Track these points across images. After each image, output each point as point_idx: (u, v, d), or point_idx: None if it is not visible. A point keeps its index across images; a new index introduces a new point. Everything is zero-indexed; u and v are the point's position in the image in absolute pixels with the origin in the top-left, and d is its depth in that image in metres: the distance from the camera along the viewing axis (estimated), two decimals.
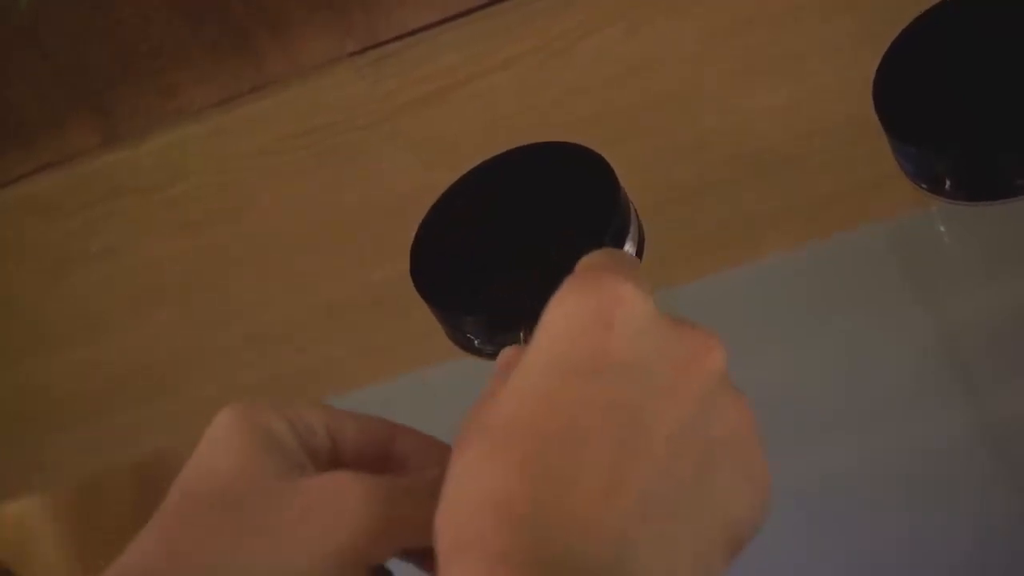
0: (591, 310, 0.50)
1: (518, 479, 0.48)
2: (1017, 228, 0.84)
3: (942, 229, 0.85)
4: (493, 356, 0.76)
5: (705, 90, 0.99)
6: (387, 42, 1.05)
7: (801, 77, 0.96)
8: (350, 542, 0.55)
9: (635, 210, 0.78)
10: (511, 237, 0.77)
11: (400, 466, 0.60)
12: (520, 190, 0.80)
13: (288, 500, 0.56)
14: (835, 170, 0.92)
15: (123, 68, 1.11)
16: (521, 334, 0.74)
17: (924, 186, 0.76)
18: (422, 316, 0.83)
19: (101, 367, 1.10)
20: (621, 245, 0.75)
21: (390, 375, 1.03)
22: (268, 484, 0.57)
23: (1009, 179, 0.73)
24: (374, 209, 1.05)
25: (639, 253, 0.76)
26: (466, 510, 0.48)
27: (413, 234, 0.81)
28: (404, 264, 0.81)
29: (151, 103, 1.12)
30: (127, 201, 1.11)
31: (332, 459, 0.60)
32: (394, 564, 0.57)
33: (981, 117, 0.73)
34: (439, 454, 0.60)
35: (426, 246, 0.80)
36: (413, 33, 1.04)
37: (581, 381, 0.49)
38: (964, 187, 0.74)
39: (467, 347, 0.79)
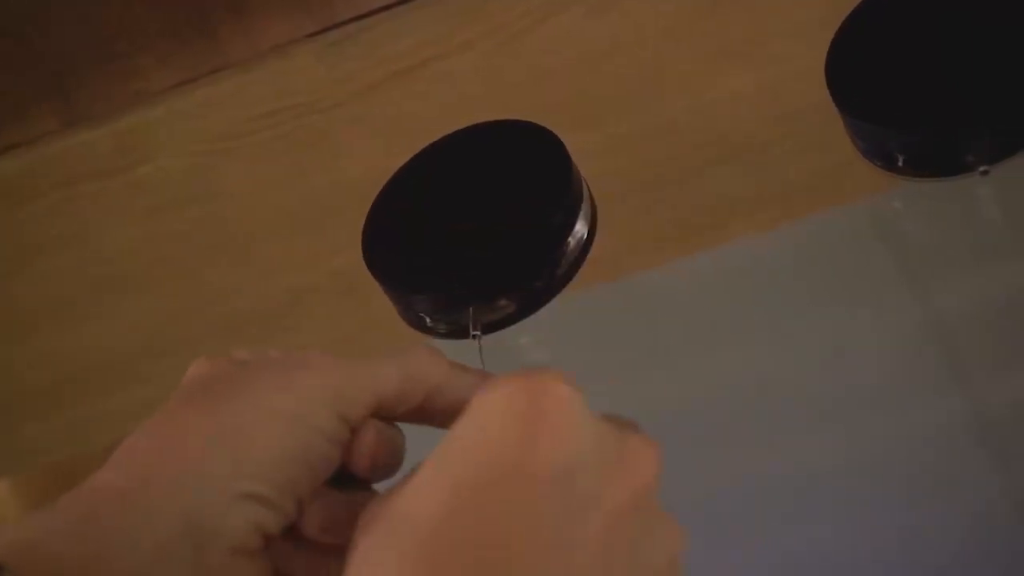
0: (519, 406, 0.48)
1: None
2: (1000, 212, 0.83)
3: (897, 206, 0.85)
4: (445, 335, 0.77)
5: (672, 74, 0.98)
6: (346, 22, 1.03)
7: (769, 61, 0.95)
8: (321, 388, 0.55)
9: (588, 187, 0.77)
10: (462, 215, 0.77)
11: None
12: (472, 169, 0.79)
13: (256, 367, 0.56)
14: (805, 154, 0.91)
15: (84, 51, 1.09)
16: (471, 312, 0.73)
17: (878, 163, 0.76)
18: (387, 301, 0.82)
19: (69, 354, 1.10)
20: (573, 223, 0.74)
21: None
22: (237, 367, 0.56)
23: (960, 156, 0.73)
24: (337, 192, 1.04)
25: (591, 231, 0.76)
26: None
27: None
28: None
29: (112, 86, 1.11)
30: (89, 185, 1.10)
31: None
32: None
33: (932, 94, 0.73)
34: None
35: (378, 225, 0.80)
36: (373, 14, 1.03)
37: (505, 484, 0.47)
38: (916, 164, 0.75)
39: (419, 326, 0.79)
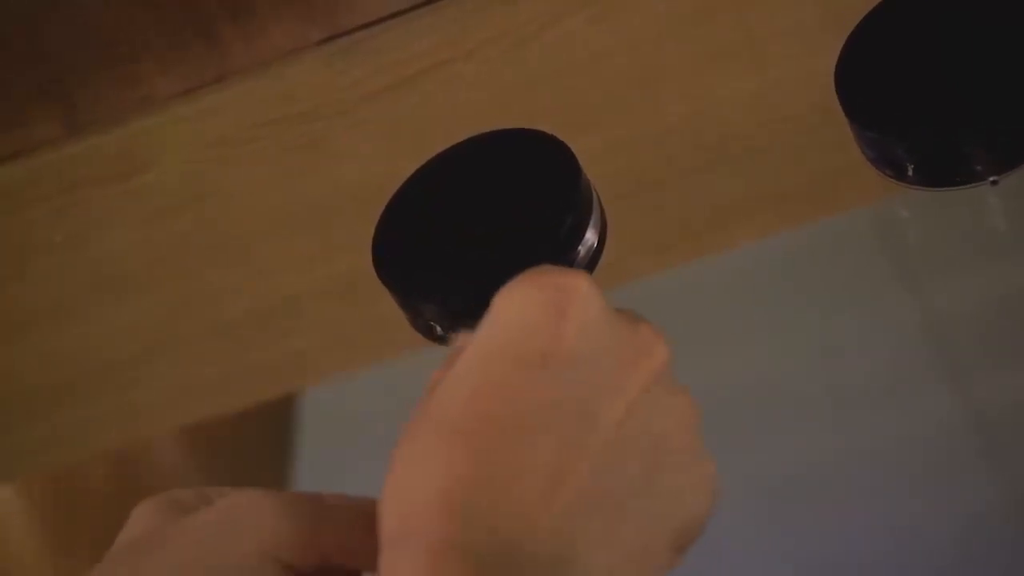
0: (544, 300, 0.51)
1: (463, 469, 0.48)
2: (1001, 217, 0.84)
3: (905, 215, 0.85)
4: None
5: (669, 79, 0.98)
6: (351, 31, 1.04)
7: (768, 64, 0.96)
8: (261, 549, 0.55)
9: (598, 196, 0.78)
10: (473, 224, 0.77)
11: None
12: (482, 177, 0.80)
13: (197, 519, 0.56)
14: (804, 158, 0.92)
15: (85, 57, 1.10)
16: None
17: (887, 172, 0.76)
18: (389, 306, 0.83)
19: (70, 357, 1.10)
20: (583, 231, 0.75)
21: (357, 365, 1.03)
22: (178, 520, 0.57)
23: (970, 165, 0.74)
24: (341, 198, 1.04)
25: (601, 240, 0.77)
26: (410, 497, 0.49)
27: None
28: (370, 253, 0.80)
29: (114, 92, 1.11)
30: (90, 191, 1.10)
31: None
32: None
33: (943, 103, 0.74)
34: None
35: (388, 234, 0.80)
36: (378, 22, 1.03)
37: (529, 372, 0.50)
38: (926, 173, 0.75)
39: (430, 335, 0.79)
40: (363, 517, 0.56)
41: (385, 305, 0.82)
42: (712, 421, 0.89)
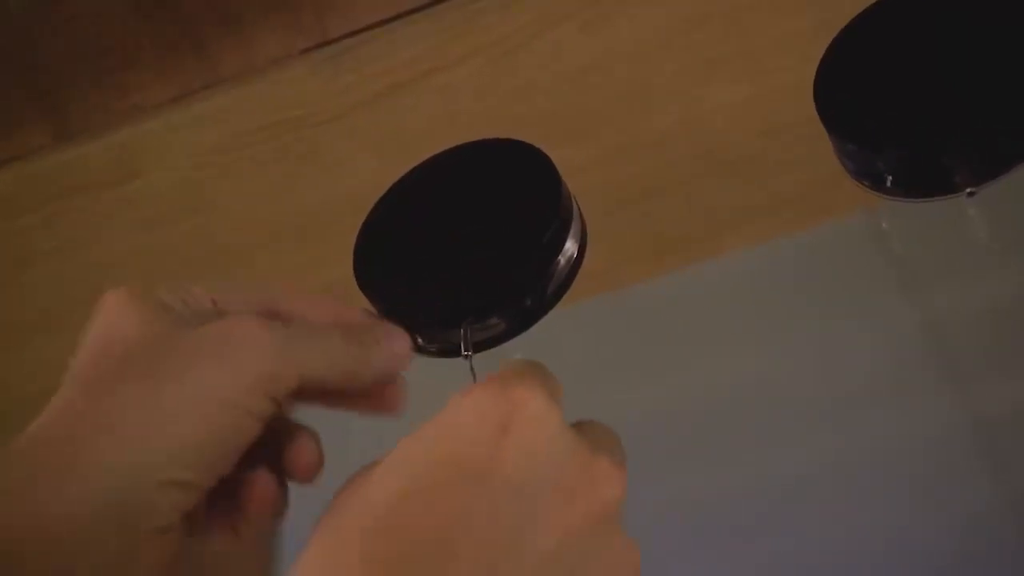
0: (492, 412, 0.48)
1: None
2: (988, 222, 0.83)
3: (885, 226, 0.85)
4: (436, 354, 0.76)
5: (662, 87, 0.98)
6: (340, 39, 1.03)
7: (759, 74, 0.95)
8: (259, 385, 0.57)
9: (579, 207, 0.77)
10: (452, 235, 0.77)
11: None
12: (462, 188, 0.79)
13: (194, 343, 0.58)
14: (795, 166, 0.91)
15: (76, 66, 1.09)
16: (463, 331, 0.73)
17: (865, 183, 0.76)
18: None
19: (61, 365, 1.09)
20: (563, 241, 0.74)
21: None
22: (171, 333, 0.58)
23: (949, 177, 0.73)
24: (331, 206, 1.04)
25: (581, 250, 0.76)
26: None
27: None
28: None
29: (104, 101, 1.11)
30: (81, 199, 1.10)
31: None
32: None
33: (921, 115, 0.73)
34: (329, 307, 0.64)
35: (368, 245, 0.80)
36: (366, 29, 1.03)
37: (464, 487, 0.47)
38: (905, 185, 0.75)
39: (412, 346, 0.78)
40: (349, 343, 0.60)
41: None
42: (704, 431, 0.89)
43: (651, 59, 0.99)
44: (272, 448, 0.60)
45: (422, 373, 0.67)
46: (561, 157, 0.79)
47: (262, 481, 0.59)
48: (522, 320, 0.75)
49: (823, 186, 0.90)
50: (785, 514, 0.84)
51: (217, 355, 0.57)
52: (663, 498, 0.85)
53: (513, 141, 0.79)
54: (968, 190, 0.73)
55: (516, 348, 0.76)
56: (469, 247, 0.75)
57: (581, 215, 0.77)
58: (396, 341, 0.64)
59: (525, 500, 0.47)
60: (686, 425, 0.89)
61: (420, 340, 0.77)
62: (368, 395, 0.63)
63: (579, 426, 0.51)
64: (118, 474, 0.55)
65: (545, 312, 0.75)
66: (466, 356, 0.74)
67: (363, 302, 0.81)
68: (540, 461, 0.48)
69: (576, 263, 0.75)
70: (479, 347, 0.75)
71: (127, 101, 1.10)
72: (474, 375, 0.74)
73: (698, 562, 0.84)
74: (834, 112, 0.76)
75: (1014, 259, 0.83)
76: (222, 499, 0.58)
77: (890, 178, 0.75)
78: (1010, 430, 0.81)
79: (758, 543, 0.85)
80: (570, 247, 0.75)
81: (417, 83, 1.03)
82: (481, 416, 0.48)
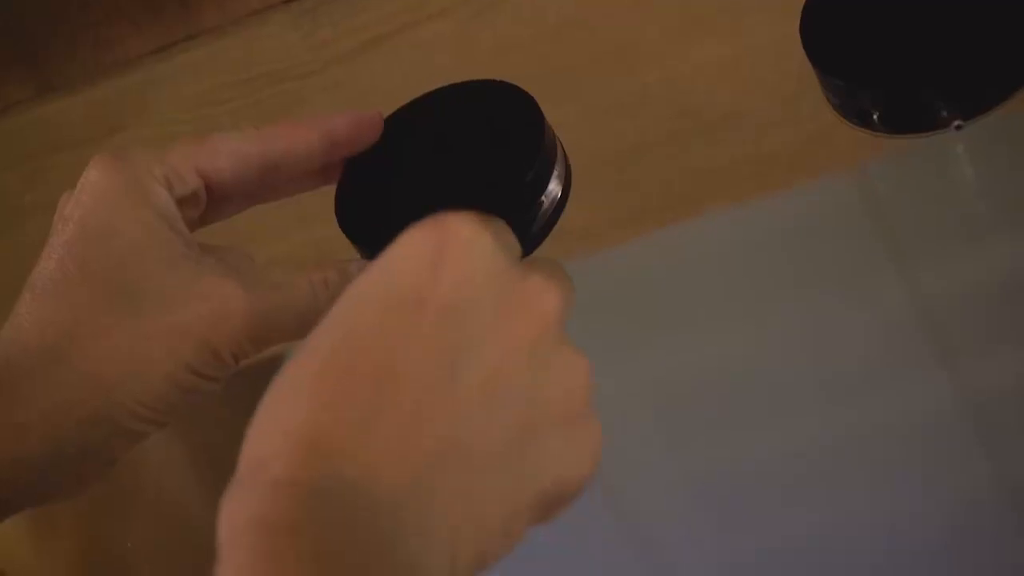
0: (425, 246, 0.49)
1: (321, 408, 0.47)
2: (987, 189, 0.82)
3: (880, 185, 0.84)
4: None
5: (645, 45, 0.97)
6: None
7: (743, 31, 0.94)
8: (218, 340, 0.62)
9: (563, 148, 0.76)
10: (435, 175, 0.76)
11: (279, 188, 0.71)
12: (444, 129, 0.79)
13: (170, 297, 0.62)
14: (780, 125, 0.90)
15: (56, 19, 1.09)
16: None
17: (853, 120, 0.75)
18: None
19: None
20: (546, 183, 0.73)
21: None
22: (155, 270, 0.63)
23: (934, 111, 0.72)
24: None
25: (565, 192, 0.75)
26: (264, 439, 0.48)
27: None
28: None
29: (85, 54, 1.10)
30: (63, 155, 1.10)
31: (208, 197, 0.67)
32: None
33: (908, 49, 0.73)
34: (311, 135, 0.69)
35: (350, 189, 0.79)
36: None
37: (401, 317, 0.48)
38: (890, 121, 0.74)
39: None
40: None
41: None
42: (689, 397, 0.88)
43: (634, 17, 0.98)
44: None
45: None
46: None
47: None
48: None
49: (809, 144, 0.89)
50: (773, 491, 0.83)
51: (187, 313, 0.62)
52: (637, 467, 0.84)
53: (496, 82, 0.78)
54: (956, 123, 0.72)
55: None
56: (451, 186, 0.74)
57: (566, 157, 0.76)
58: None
59: (464, 323, 0.48)
60: (666, 394, 0.88)
61: None
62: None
63: (510, 256, 0.52)
64: (81, 415, 0.61)
65: (528, 253, 0.74)
66: None
67: (348, 252, 0.80)
68: (475, 284, 0.49)
69: (560, 205, 0.74)
70: None
71: (107, 55, 1.09)
72: None
73: (684, 549, 0.83)
74: (820, 47, 0.75)
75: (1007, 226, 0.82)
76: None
77: (877, 114, 0.74)
78: (1012, 409, 0.80)
79: (743, 524, 0.84)
80: (553, 188, 0.74)
81: (397, 37, 1.02)
82: (414, 249, 0.49)
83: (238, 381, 1.04)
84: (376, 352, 0.48)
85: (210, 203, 0.68)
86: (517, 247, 0.52)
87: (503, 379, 0.48)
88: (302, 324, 0.64)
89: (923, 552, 0.77)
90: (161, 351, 0.61)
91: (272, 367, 1.14)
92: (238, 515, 0.46)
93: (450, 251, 0.49)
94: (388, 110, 0.86)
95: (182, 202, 0.65)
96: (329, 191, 0.83)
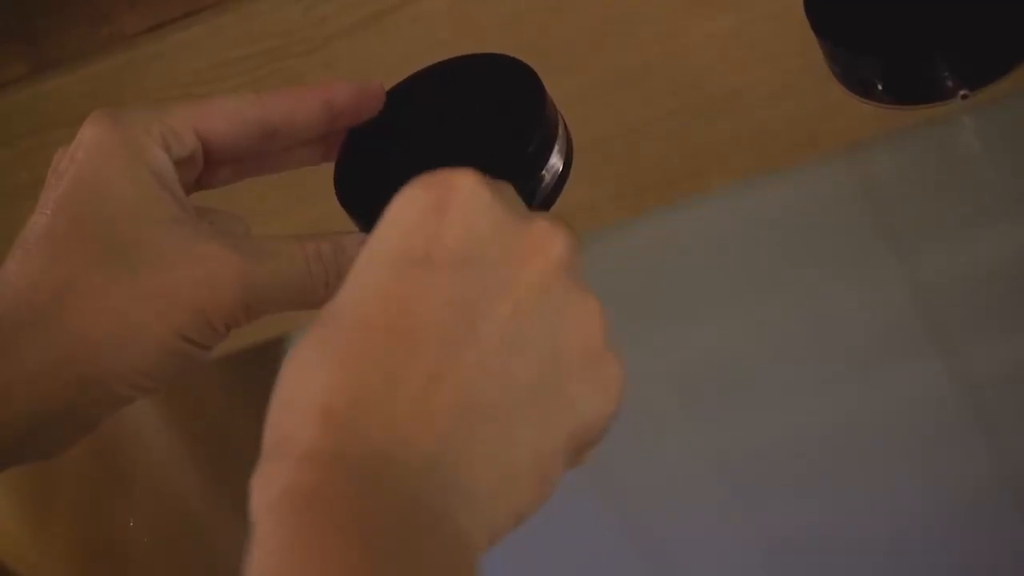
0: (429, 199, 0.50)
1: (340, 375, 0.48)
2: (984, 174, 0.82)
3: (881, 165, 0.84)
4: None
5: (645, 20, 0.97)
6: None
7: (745, 5, 0.94)
8: (211, 307, 0.61)
9: (564, 122, 0.77)
10: (435, 148, 0.77)
11: (279, 158, 0.70)
12: (445, 102, 0.79)
13: (165, 259, 0.61)
14: (782, 100, 0.90)
15: None
16: None
17: (856, 90, 0.75)
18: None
19: None
20: (548, 155, 0.74)
21: None
22: (149, 230, 0.62)
23: (939, 80, 0.72)
24: None
25: (567, 165, 0.75)
26: (289, 408, 0.48)
27: None
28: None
29: (81, 30, 1.08)
30: (60, 132, 1.08)
31: (205, 160, 0.66)
32: None
33: (912, 18, 0.74)
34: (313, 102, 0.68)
35: (350, 164, 0.79)
36: None
37: (414, 273, 0.49)
38: (894, 90, 0.74)
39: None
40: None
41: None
42: (689, 378, 0.88)
43: None
44: None
45: None
46: None
47: None
48: None
49: (809, 119, 0.89)
50: (770, 477, 0.83)
51: (180, 280, 0.61)
52: (635, 457, 0.84)
53: (497, 55, 0.78)
54: (961, 93, 0.72)
55: None
56: (452, 159, 0.74)
57: (567, 131, 0.76)
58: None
59: (475, 275, 0.49)
60: (669, 375, 0.88)
61: None
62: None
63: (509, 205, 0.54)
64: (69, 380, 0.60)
65: None
66: None
67: (348, 227, 0.80)
68: (480, 234, 0.50)
69: (561, 178, 0.75)
70: None
71: (105, 31, 1.08)
72: None
73: (684, 533, 0.83)
74: (825, 16, 0.75)
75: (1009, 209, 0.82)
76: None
77: (881, 84, 0.74)
78: (1011, 395, 0.80)
79: (744, 512, 0.84)
80: (555, 162, 0.74)
81: (397, 12, 1.01)
82: (417, 205, 0.50)
83: (235, 368, 1.04)
84: (391, 313, 0.48)
85: (207, 166, 0.67)
86: (519, 201, 0.54)
87: (520, 328, 0.49)
88: (293, 294, 0.64)
89: (919, 534, 0.77)
90: (152, 314, 0.60)
91: (268, 352, 1.15)
92: (269, 491, 0.46)
93: (452, 203, 0.50)
94: (389, 85, 0.85)
95: (179, 163, 0.65)
96: (328, 169, 0.83)
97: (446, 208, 0.50)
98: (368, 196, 0.76)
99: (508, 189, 0.53)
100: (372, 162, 0.77)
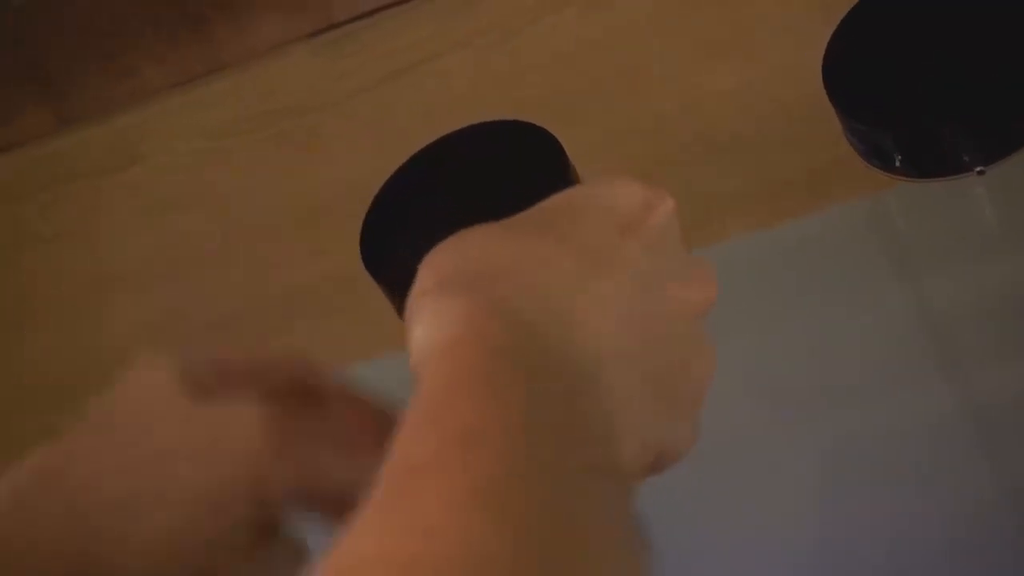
0: (646, 194, 0.53)
1: (513, 250, 0.52)
2: (990, 208, 0.83)
3: (891, 205, 0.85)
4: None
5: (660, 71, 0.98)
6: (342, 24, 1.03)
7: (757, 56, 0.96)
8: (235, 473, 0.55)
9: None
10: (460, 215, 0.76)
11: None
12: (469, 168, 0.80)
13: (190, 427, 0.56)
14: (793, 150, 0.91)
15: (77, 50, 1.09)
16: None
17: (875, 163, 0.76)
18: (381, 301, 0.82)
19: (63, 354, 1.09)
20: None
21: (350, 361, 1.02)
22: (173, 408, 0.56)
23: (957, 156, 0.73)
24: (331, 191, 1.04)
25: None
26: (449, 258, 0.52)
27: None
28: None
29: (106, 86, 1.10)
30: (81, 185, 1.10)
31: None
32: None
33: (930, 94, 0.74)
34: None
35: (375, 227, 0.80)
36: (369, 14, 1.03)
37: (613, 232, 0.51)
38: (913, 165, 0.75)
39: None
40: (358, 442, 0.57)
41: (377, 300, 0.81)
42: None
43: (649, 43, 1.00)
44: None
45: None
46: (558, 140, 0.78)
47: None
48: None
49: (823, 170, 0.90)
50: (779, 501, 0.84)
51: (210, 438, 0.56)
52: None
53: (520, 122, 0.80)
54: (978, 169, 0.73)
55: None
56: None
57: None
58: None
59: (659, 263, 0.52)
60: None
61: None
62: None
63: None
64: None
65: None
66: None
67: (365, 286, 0.80)
68: (673, 241, 0.53)
69: None
70: None
71: (128, 86, 1.10)
72: None
73: (694, 557, 0.83)
74: (842, 91, 0.77)
75: (1017, 245, 0.83)
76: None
77: (899, 157, 0.75)
78: (1010, 417, 0.81)
79: (752, 534, 0.84)
80: None
81: (417, 68, 1.03)
82: (636, 190, 0.53)
83: None
84: (585, 246, 0.51)
85: None
86: None
87: (670, 334, 0.52)
88: None
89: (925, 557, 0.78)
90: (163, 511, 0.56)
91: None
92: (438, 335, 0.47)
93: (660, 208, 0.53)
94: (408, 141, 0.87)
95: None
96: (344, 223, 0.84)
97: (655, 207, 0.53)
98: (393, 264, 0.77)
99: None
100: (397, 230, 0.78)
